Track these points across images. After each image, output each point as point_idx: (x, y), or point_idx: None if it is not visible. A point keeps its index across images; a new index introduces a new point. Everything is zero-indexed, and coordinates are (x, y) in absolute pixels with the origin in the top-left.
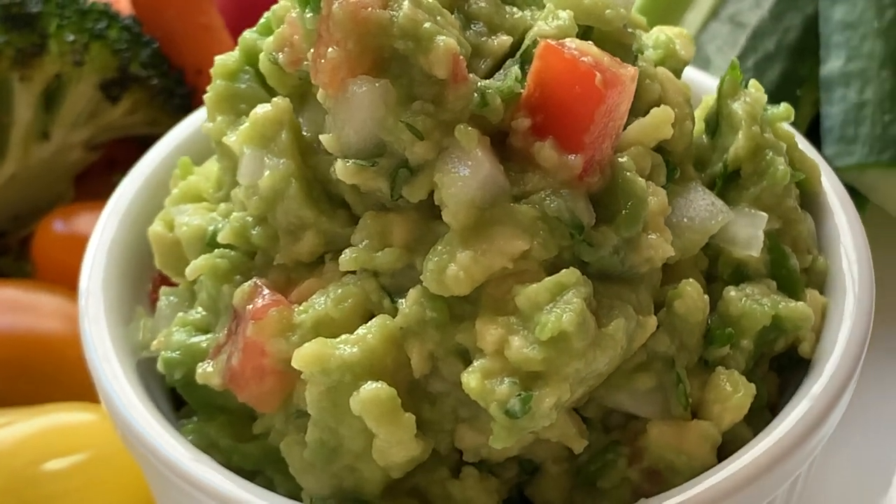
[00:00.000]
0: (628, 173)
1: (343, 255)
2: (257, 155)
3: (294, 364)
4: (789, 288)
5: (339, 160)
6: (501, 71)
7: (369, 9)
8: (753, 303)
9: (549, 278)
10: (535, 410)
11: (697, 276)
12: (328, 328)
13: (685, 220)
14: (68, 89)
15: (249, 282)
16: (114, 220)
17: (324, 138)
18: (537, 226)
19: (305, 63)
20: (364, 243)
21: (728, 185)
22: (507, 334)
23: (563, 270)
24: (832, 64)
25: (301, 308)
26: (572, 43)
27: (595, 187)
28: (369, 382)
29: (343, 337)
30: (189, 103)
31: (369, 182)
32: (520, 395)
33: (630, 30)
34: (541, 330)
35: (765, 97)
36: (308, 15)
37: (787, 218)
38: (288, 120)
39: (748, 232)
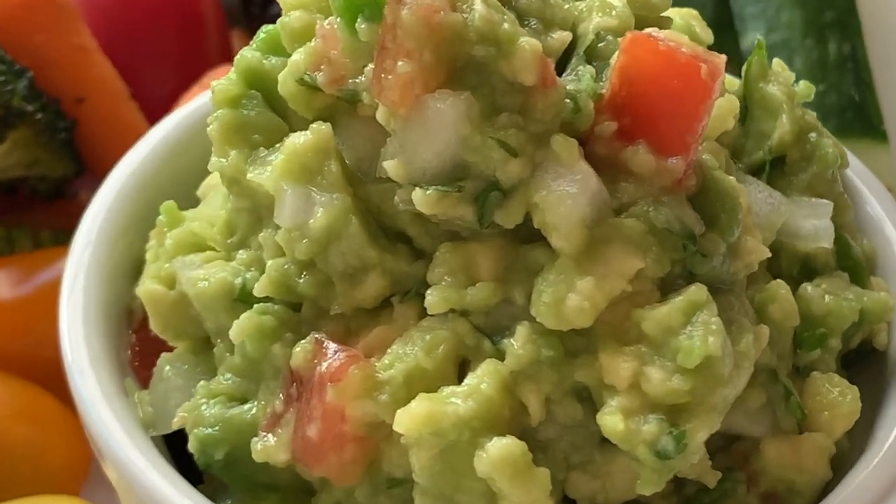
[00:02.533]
0: (715, 172)
1: (429, 296)
2: (301, 192)
3: (399, 427)
4: (857, 278)
5: (416, 189)
6: (568, 71)
7: (441, 13)
8: (838, 299)
9: (679, 298)
10: (690, 447)
11: (767, 277)
12: (421, 381)
13: (750, 216)
14: None
15: (307, 339)
16: (80, 282)
17: (389, 165)
18: (647, 240)
19: (351, 81)
20: (446, 280)
21: (771, 173)
22: (641, 366)
23: (692, 288)
24: (751, 36)
25: (385, 362)
26: (659, 33)
27: (691, 191)
28: (495, 438)
29: (449, 389)
30: (71, 138)
31: (450, 210)
32: (671, 432)
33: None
34: (685, 357)
35: (793, 76)
36: (362, 26)
37: (837, 204)
38: (333, 148)
39: (812, 223)
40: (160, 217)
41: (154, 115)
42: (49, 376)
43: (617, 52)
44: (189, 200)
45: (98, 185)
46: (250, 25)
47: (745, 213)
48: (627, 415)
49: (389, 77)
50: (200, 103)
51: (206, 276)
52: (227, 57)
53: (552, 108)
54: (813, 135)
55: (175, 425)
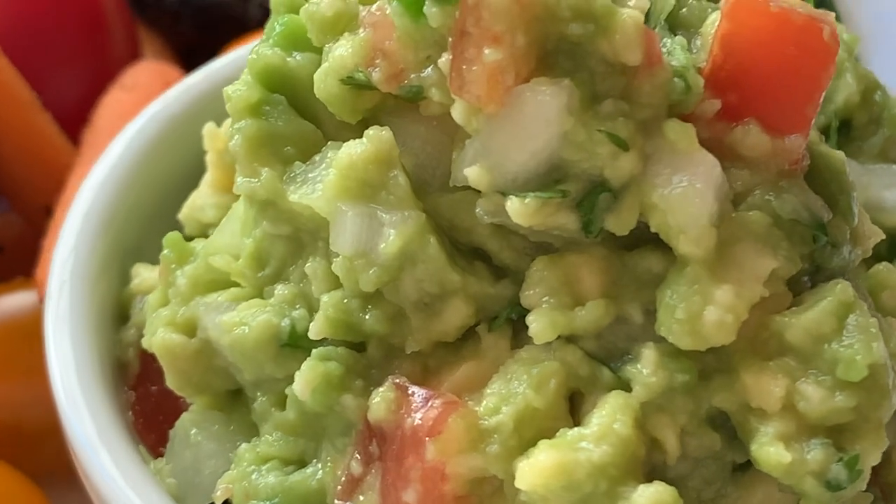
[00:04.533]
0: (821, 147)
1: (534, 322)
2: (364, 212)
3: (522, 483)
4: None
5: (511, 198)
6: None
7: None
8: None
9: (827, 299)
10: (864, 473)
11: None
12: (533, 425)
13: None
14: None
15: (386, 385)
16: (64, 336)
17: (471, 172)
18: (774, 234)
19: (414, 76)
20: (548, 301)
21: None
22: (793, 383)
23: (838, 286)
24: None
25: (489, 405)
26: None
27: (804, 172)
28: (640, 487)
29: (574, 433)
30: None
31: (550, 219)
32: (840, 458)
33: None
34: (847, 369)
35: (844, 27)
36: (433, 9)
37: None
38: (397, 157)
39: None
40: (164, 252)
41: (66, 124)
42: None
43: (712, 19)
44: (169, 227)
45: (7, 210)
46: (144, 16)
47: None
48: (787, 443)
49: (474, 68)
50: (154, 111)
51: (242, 319)
52: (135, 53)
53: (660, 89)
54: (878, 94)
55: (219, 500)
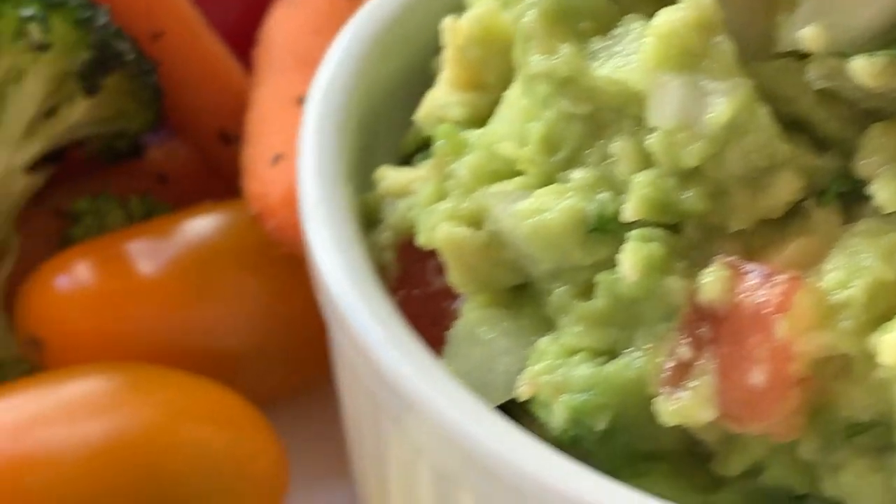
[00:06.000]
0: None
1: (879, 191)
2: (687, 82)
3: (889, 359)
4: None
5: (856, 58)
6: None
7: None
8: None
9: None
10: None
11: None
12: (884, 298)
13: None
14: (18, 87)
15: (716, 264)
16: (328, 246)
17: (807, 32)
18: None
19: None
20: (887, 169)
21: None
22: None
23: None
24: None
25: (835, 279)
26: None
27: None
28: None
29: None
30: (156, 83)
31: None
32: None
33: None
34: None
35: None
36: None
37: None
38: (720, 22)
39: None
40: (438, 143)
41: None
42: (205, 369)
43: None
44: (398, 129)
45: (172, 136)
46: None
47: None
48: None
49: None
50: (365, 15)
51: (542, 205)
52: None
53: None
54: None
55: (523, 396)
